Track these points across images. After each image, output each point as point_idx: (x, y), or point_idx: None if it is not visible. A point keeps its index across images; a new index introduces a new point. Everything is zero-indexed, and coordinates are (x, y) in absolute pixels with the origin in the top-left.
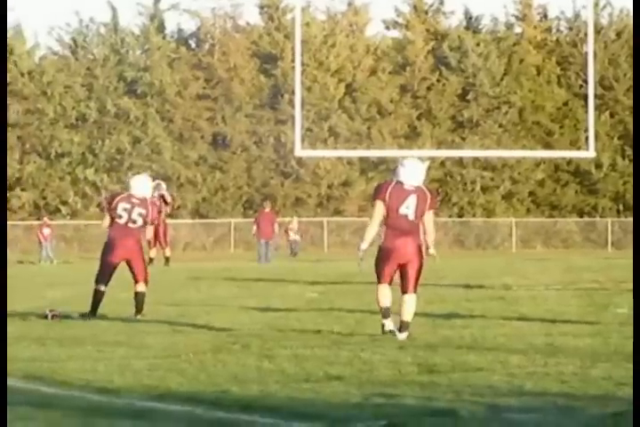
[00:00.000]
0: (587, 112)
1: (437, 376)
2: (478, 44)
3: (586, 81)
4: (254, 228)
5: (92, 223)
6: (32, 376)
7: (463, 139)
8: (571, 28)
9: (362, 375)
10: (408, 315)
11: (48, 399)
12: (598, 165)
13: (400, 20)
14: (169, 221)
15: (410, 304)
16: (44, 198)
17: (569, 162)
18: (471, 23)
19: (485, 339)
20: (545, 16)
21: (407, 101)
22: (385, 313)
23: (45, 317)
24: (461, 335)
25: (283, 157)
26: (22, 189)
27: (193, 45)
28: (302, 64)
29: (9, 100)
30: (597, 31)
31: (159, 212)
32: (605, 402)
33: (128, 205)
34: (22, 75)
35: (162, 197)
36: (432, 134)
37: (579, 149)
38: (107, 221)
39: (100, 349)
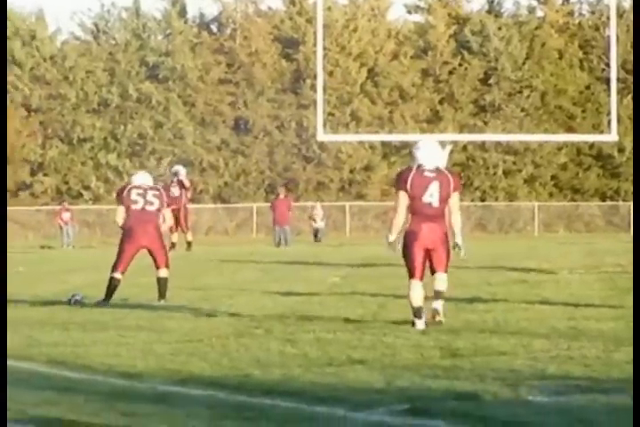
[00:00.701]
0: (609, 96)
1: (460, 360)
2: (500, 28)
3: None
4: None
5: (115, 208)
6: (55, 361)
7: (485, 123)
8: (593, 12)
9: (384, 359)
10: (441, 286)
11: (71, 384)
12: (620, 149)
13: (422, 5)
14: (191, 205)
15: (442, 278)
16: (67, 183)
17: (591, 146)
18: (493, 7)
19: (508, 323)
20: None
21: (429, 86)
22: (417, 313)
23: (68, 302)
24: (484, 319)
25: (305, 142)
26: (45, 175)
27: (215, 30)
28: (324, 48)
29: (32, 86)
30: (620, 15)
31: (178, 196)
32: (628, 385)
33: (141, 190)
34: (44, 60)
35: (180, 182)
36: (454, 118)
37: (601, 132)
38: (121, 212)
39: (122, 333)
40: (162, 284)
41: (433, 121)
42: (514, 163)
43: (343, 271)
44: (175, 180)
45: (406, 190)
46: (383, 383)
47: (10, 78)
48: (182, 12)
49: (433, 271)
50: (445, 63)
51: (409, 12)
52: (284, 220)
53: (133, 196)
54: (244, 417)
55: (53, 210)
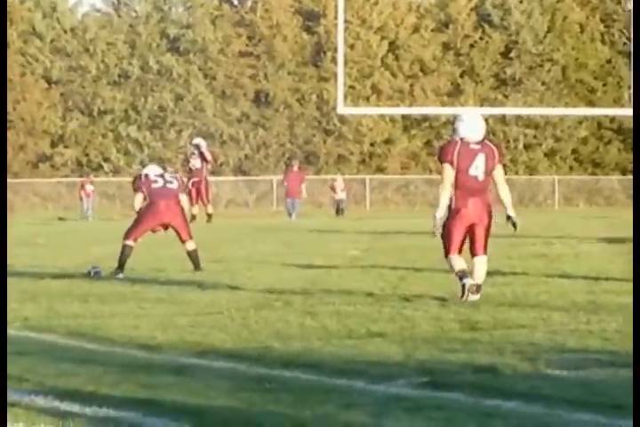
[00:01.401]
0: (630, 69)
1: (479, 333)
2: (521, 2)
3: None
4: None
5: None
6: (75, 333)
7: (506, 96)
8: None
9: (404, 332)
10: (480, 278)
11: (91, 356)
12: None
13: None
14: (211, 178)
15: (481, 266)
16: (87, 155)
17: (612, 119)
18: None
19: (528, 296)
20: None
21: (450, 59)
22: (462, 275)
23: (88, 274)
24: (503, 293)
25: (325, 115)
26: (65, 147)
27: (235, 2)
28: (345, 21)
29: (53, 58)
30: None
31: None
32: None
33: (158, 172)
34: (65, 32)
35: (202, 154)
36: (475, 92)
37: (622, 106)
38: (139, 199)
39: (142, 305)
40: (193, 256)
41: (453, 94)
42: (534, 136)
43: (363, 244)
44: (197, 152)
45: (452, 163)
46: (402, 356)
47: (30, 50)
48: None
49: (473, 253)
50: (466, 36)
51: None
52: (296, 193)
53: (152, 177)
54: (264, 389)
55: (73, 182)
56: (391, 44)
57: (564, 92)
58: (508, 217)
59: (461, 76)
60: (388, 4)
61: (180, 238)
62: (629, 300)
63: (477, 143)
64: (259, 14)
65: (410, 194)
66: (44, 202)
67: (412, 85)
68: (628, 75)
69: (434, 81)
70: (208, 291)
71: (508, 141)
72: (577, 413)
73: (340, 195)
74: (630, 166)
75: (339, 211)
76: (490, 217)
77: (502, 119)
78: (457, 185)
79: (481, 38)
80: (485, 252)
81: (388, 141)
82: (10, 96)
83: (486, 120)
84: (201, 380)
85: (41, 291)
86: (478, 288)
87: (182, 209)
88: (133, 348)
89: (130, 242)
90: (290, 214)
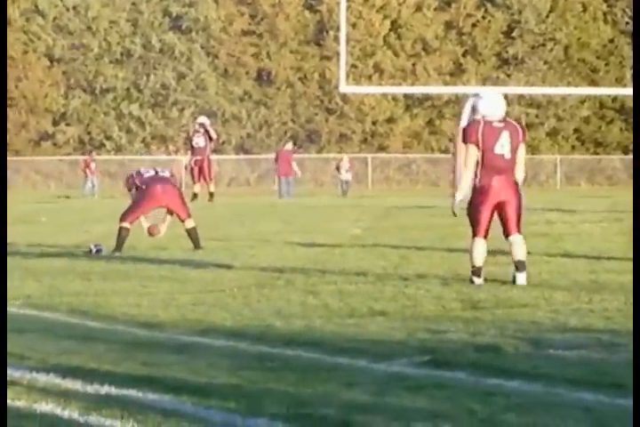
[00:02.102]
0: (632, 49)
1: (481, 312)
2: None
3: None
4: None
5: (137, 159)
6: (77, 310)
7: (508, 76)
8: None
9: (406, 311)
10: (521, 255)
11: (92, 333)
12: None
13: None
14: (213, 156)
15: (519, 244)
16: (89, 133)
17: (614, 99)
18: None
19: (530, 275)
20: None
21: (452, 38)
22: (477, 271)
23: (89, 251)
24: (506, 272)
25: (327, 94)
26: (67, 125)
27: None
28: (347, 0)
29: (55, 36)
30: None
31: (202, 147)
32: None
33: (150, 168)
34: (67, 10)
35: (207, 132)
36: (477, 71)
37: (624, 86)
38: (134, 194)
39: (144, 284)
40: (192, 234)
41: (456, 73)
42: (536, 116)
43: (365, 223)
44: (202, 130)
45: (477, 143)
46: (404, 335)
47: (33, 28)
48: None
49: (507, 234)
50: (469, 16)
51: None
52: (287, 171)
53: (143, 171)
54: (266, 368)
55: (76, 160)
56: (393, 22)
57: (567, 72)
58: None
59: (464, 55)
60: None
61: (179, 218)
62: (631, 279)
63: (500, 121)
64: None
65: (412, 173)
66: (46, 180)
67: (414, 64)
68: (630, 54)
69: (436, 60)
70: (210, 269)
71: None
72: (578, 392)
73: (346, 175)
74: (632, 146)
75: (343, 191)
76: (518, 196)
77: (504, 98)
78: (483, 164)
79: (483, 17)
80: (519, 230)
81: (390, 120)
82: (12, 74)
83: None
84: (203, 358)
85: (43, 269)
86: (523, 266)
87: (179, 191)
88: (135, 326)
89: (126, 224)
90: (280, 195)
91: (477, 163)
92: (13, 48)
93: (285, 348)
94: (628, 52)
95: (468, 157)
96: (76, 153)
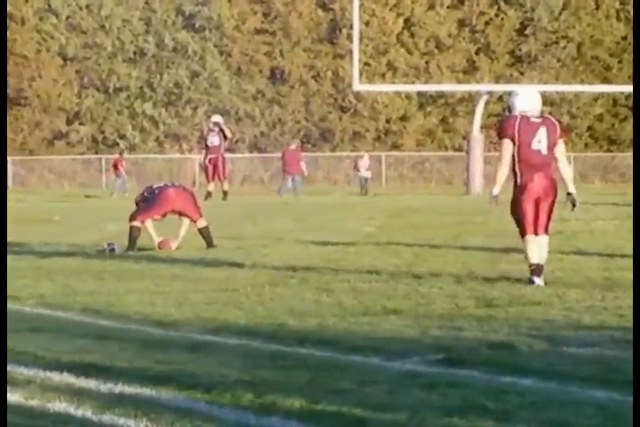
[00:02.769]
0: (633, 49)
1: (495, 310)
2: None
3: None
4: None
5: (150, 157)
6: (90, 309)
7: (521, 73)
8: None
9: (419, 309)
10: (542, 258)
11: (106, 332)
12: None
13: None
14: (227, 155)
15: (543, 246)
16: (102, 133)
17: (627, 96)
18: None
19: (543, 273)
20: None
21: (465, 36)
22: (536, 270)
23: (103, 251)
24: (519, 269)
25: (341, 92)
26: (80, 124)
27: None
28: None
29: (68, 35)
30: None
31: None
32: None
33: (161, 183)
34: (81, 9)
35: (222, 131)
36: (490, 69)
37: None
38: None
39: (157, 282)
40: (205, 233)
41: (469, 71)
42: (550, 113)
43: (379, 221)
44: (217, 129)
45: (512, 138)
46: (418, 333)
47: (46, 27)
48: None
49: (535, 232)
50: (482, 13)
51: None
52: (294, 169)
53: (154, 185)
54: (279, 366)
55: (89, 159)
56: (406, 20)
57: (580, 69)
58: (569, 194)
59: (477, 53)
60: None
61: (192, 219)
62: None
63: (537, 117)
64: None
65: (425, 171)
66: (60, 179)
67: (427, 62)
68: None
69: (449, 58)
70: (223, 268)
71: None
72: (592, 389)
73: (365, 173)
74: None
75: (363, 189)
76: (555, 193)
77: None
78: (520, 160)
79: (496, 15)
80: (547, 231)
81: (403, 118)
82: (25, 73)
83: (501, 97)
84: (216, 356)
85: (56, 268)
86: (540, 269)
87: (192, 194)
88: (149, 325)
89: (137, 223)
90: (280, 191)
91: (513, 158)
92: (27, 47)
93: (299, 346)
94: None
95: (503, 151)
96: (89, 152)
